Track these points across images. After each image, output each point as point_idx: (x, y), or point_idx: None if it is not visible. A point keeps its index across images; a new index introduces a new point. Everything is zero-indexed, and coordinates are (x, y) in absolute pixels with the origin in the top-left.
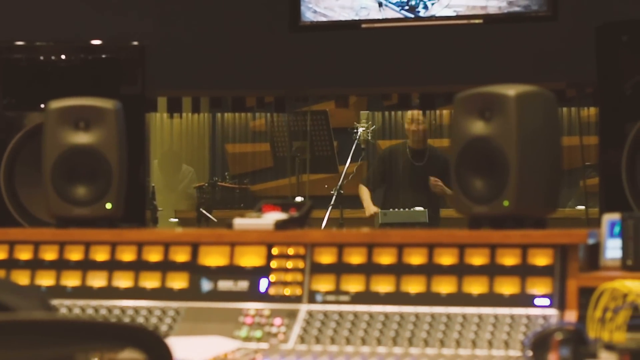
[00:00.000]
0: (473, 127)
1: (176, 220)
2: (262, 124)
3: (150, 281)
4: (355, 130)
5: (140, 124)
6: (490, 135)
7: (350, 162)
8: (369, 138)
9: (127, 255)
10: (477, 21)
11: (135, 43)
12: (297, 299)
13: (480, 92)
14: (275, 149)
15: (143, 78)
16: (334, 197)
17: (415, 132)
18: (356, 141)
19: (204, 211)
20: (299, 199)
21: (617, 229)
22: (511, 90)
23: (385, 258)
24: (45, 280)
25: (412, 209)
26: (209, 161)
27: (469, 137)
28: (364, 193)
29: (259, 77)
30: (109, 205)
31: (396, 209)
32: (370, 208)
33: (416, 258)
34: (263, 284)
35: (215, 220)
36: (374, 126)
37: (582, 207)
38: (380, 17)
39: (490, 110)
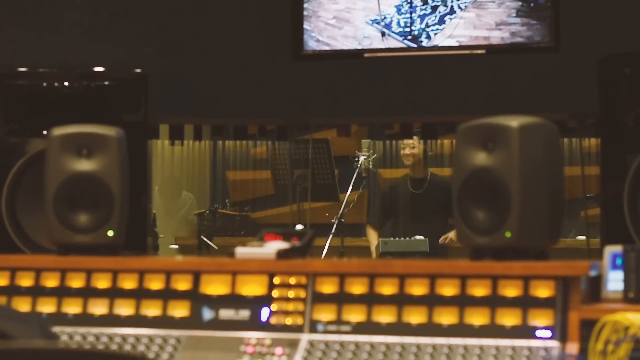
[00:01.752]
0: (476, 158)
1: (176, 246)
2: (263, 151)
3: (151, 309)
4: (357, 159)
5: (142, 151)
6: (492, 166)
7: (351, 191)
8: (370, 167)
9: (128, 283)
10: (479, 51)
11: (138, 70)
12: (298, 329)
13: (483, 123)
14: (277, 177)
15: (145, 105)
16: (334, 226)
17: (408, 156)
18: (357, 170)
19: (205, 239)
20: (299, 226)
21: (619, 261)
22: (514, 122)
23: (387, 288)
24: (46, 307)
25: (412, 238)
26: (210, 188)
27: (471, 167)
28: (371, 236)
29: (261, 105)
30: (110, 233)
31: (397, 238)
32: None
33: (418, 288)
34: (264, 313)
35: (216, 247)
36: (375, 155)
37: (583, 238)
38: (383, 47)
39: (493, 142)
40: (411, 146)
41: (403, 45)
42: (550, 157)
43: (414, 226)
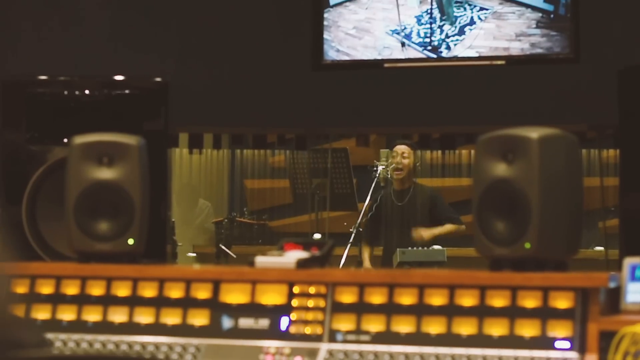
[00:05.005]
0: (495, 169)
1: (194, 255)
2: (282, 160)
3: (171, 317)
4: (375, 169)
5: (162, 159)
6: (512, 177)
7: (369, 200)
8: (388, 176)
9: (148, 291)
10: (499, 62)
11: (158, 79)
12: (317, 338)
13: (503, 135)
14: (295, 186)
15: (166, 114)
16: (352, 235)
17: (399, 172)
18: (375, 179)
19: (223, 247)
20: (317, 235)
21: (638, 273)
22: (534, 133)
23: (406, 298)
24: (67, 315)
25: (430, 248)
26: (228, 196)
27: (491, 178)
28: (364, 253)
29: (281, 114)
30: (131, 241)
31: (414, 248)
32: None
33: (437, 299)
34: (284, 322)
35: (234, 256)
36: (394, 164)
37: (601, 249)
38: (402, 57)
39: (512, 153)
40: (403, 155)
41: (423, 56)
42: (570, 168)
43: (400, 239)
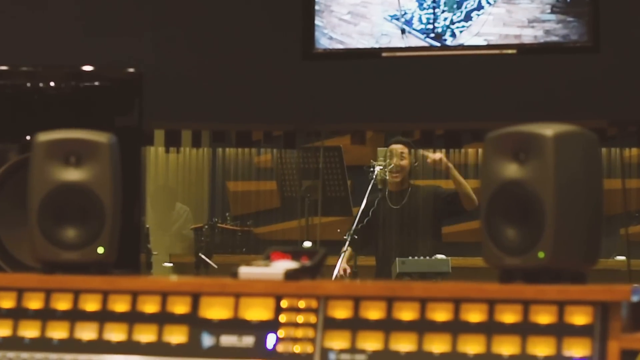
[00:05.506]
0: (506, 170)
1: (171, 265)
2: (268, 160)
3: (145, 334)
4: (372, 169)
5: (135, 158)
6: (524, 179)
7: (365, 204)
8: (387, 177)
9: (120, 305)
10: (510, 51)
11: (132, 70)
12: (308, 357)
13: (514, 132)
14: (283, 188)
15: (140, 109)
16: (347, 243)
17: (396, 175)
18: (372, 181)
19: (203, 256)
20: (307, 243)
21: None
22: (549, 130)
23: (407, 313)
24: (29, 331)
25: (433, 257)
26: (208, 200)
27: (500, 180)
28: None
29: (267, 109)
30: (101, 250)
31: (415, 257)
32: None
33: (441, 314)
34: (270, 339)
35: (215, 266)
36: (392, 167)
37: (623, 258)
38: (402, 45)
39: (525, 152)
40: (401, 156)
41: (425, 44)
42: (589, 169)
43: (398, 246)
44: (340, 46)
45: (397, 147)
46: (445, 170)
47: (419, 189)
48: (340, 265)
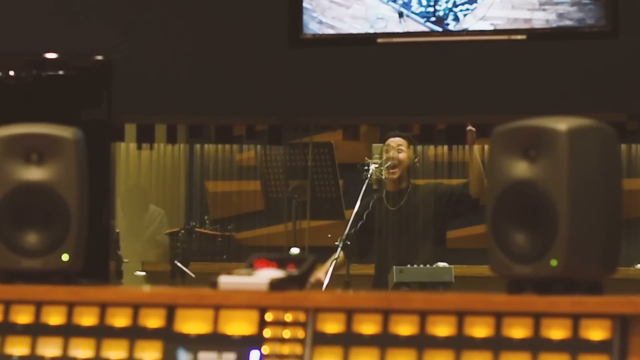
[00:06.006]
0: (514, 168)
1: (143, 274)
2: (252, 157)
3: (115, 351)
4: (367, 167)
5: (104, 156)
6: (535, 178)
7: (359, 206)
8: (383, 177)
9: (86, 318)
10: (519, 37)
11: (100, 57)
12: None
13: (523, 126)
14: (268, 189)
15: (109, 100)
16: (339, 250)
17: (393, 159)
18: (367, 180)
19: (179, 264)
20: (295, 250)
21: None
22: (562, 124)
23: (405, 328)
24: None
25: (434, 266)
26: (185, 202)
27: (509, 180)
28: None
29: (250, 101)
30: (65, 257)
31: (414, 265)
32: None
33: (443, 328)
34: (254, 356)
35: (193, 275)
36: (389, 162)
37: None
38: (400, 31)
39: (536, 149)
40: (398, 149)
41: (425, 29)
42: (607, 168)
43: (395, 253)
44: (331, 31)
45: (395, 140)
46: (471, 144)
47: (419, 189)
48: (323, 273)
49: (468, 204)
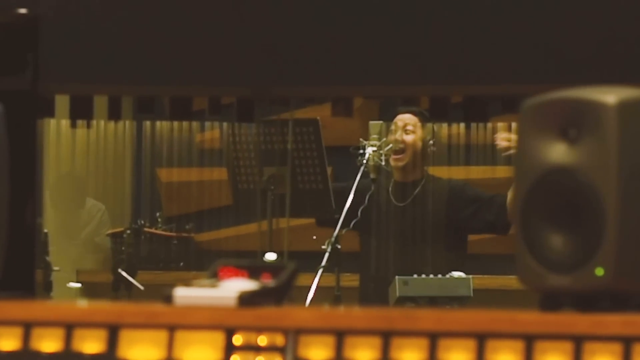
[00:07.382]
0: (549, 152)
1: (79, 285)
2: (216, 138)
3: None
4: (362, 151)
5: (29, 135)
6: (576, 165)
7: (352, 199)
8: (382, 162)
9: (7, 341)
10: None
11: (23, 11)
12: None
13: (560, 99)
14: (236, 178)
15: (35, 66)
16: (326, 255)
17: (399, 158)
18: (362, 167)
19: (124, 273)
20: (271, 256)
21: None
22: (610, 96)
23: (410, 354)
24: None
25: (447, 276)
26: (132, 195)
27: (543, 168)
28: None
29: (213, 67)
30: None
31: (422, 276)
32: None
33: (458, 354)
34: None
35: (141, 287)
36: (391, 145)
37: None
38: None
39: (577, 127)
40: (406, 129)
41: None
42: None
43: (396, 258)
44: None
45: (404, 118)
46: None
47: (436, 183)
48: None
49: (502, 224)
